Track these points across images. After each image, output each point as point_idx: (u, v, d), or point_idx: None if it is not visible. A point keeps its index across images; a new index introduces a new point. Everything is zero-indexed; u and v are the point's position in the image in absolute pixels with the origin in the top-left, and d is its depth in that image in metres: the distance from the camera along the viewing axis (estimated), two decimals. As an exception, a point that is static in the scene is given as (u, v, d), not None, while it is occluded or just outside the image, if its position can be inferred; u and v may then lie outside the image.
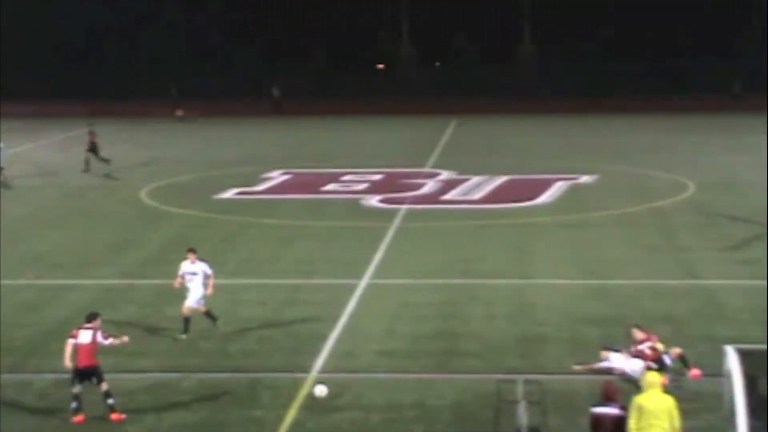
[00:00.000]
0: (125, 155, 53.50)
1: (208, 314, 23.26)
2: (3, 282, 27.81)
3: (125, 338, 19.37)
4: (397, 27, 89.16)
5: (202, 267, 23.17)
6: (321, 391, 18.69)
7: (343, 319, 24.40)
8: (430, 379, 20.54)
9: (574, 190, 41.91)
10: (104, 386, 18.47)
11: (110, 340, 18.88)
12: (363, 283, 27.63)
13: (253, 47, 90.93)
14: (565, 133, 62.06)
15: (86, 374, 18.46)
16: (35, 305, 25.60)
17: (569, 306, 25.29)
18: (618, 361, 20.24)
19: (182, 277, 23.30)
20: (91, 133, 48.13)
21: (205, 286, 23.11)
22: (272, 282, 27.90)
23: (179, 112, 70.70)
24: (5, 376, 20.17)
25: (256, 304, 25.67)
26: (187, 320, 22.95)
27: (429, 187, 43.09)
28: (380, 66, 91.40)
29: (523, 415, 17.24)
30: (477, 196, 41.21)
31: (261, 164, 49.30)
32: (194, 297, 23.03)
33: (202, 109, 73.89)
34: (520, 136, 61.76)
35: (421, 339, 22.94)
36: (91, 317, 19.04)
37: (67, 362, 18.59)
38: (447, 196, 41.04)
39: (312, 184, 43.98)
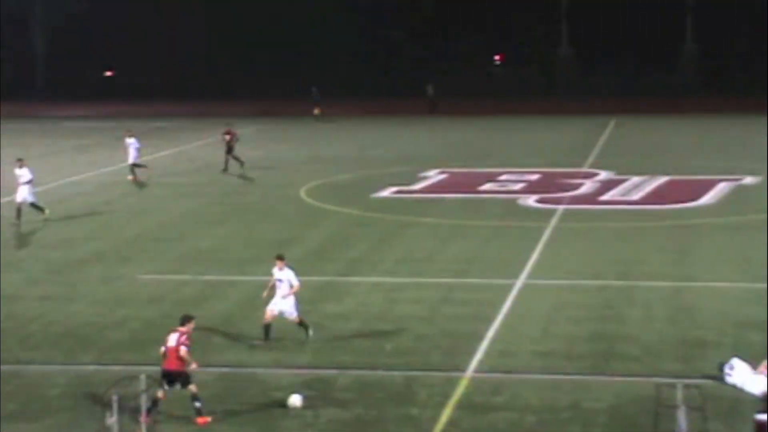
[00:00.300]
0: (286, 154, 54.52)
1: (266, 328, 22.44)
2: (168, 277, 28.64)
3: (194, 365, 18.64)
4: (556, 27, 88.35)
5: (288, 275, 22.46)
6: (295, 401, 18.56)
7: (499, 319, 24.34)
8: (586, 381, 20.33)
9: (738, 192, 40.89)
10: (192, 388, 18.30)
11: (184, 351, 18.44)
12: (519, 283, 27.50)
13: (408, 47, 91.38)
14: (729, 133, 60.60)
15: (172, 377, 18.38)
16: (198, 300, 26.24)
17: (731, 309, 24.69)
18: (741, 374, 19.53)
19: (273, 285, 22.52)
20: (228, 133, 47.69)
21: (288, 293, 22.43)
22: (429, 281, 27.99)
23: (316, 111, 71.88)
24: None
25: (412, 303, 25.79)
26: (267, 327, 22.42)
27: (587, 187, 42.63)
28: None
29: (682, 420, 16.90)
30: (636, 196, 40.59)
31: (418, 163, 49.54)
32: (283, 305, 22.39)
33: (359, 108, 74.62)
34: (681, 136, 60.58)
35: (578, 340, 22.71)
36: (184, 320, 18.85)
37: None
38: (605, 197, 40.53)
39: (469, 184, 43.97)
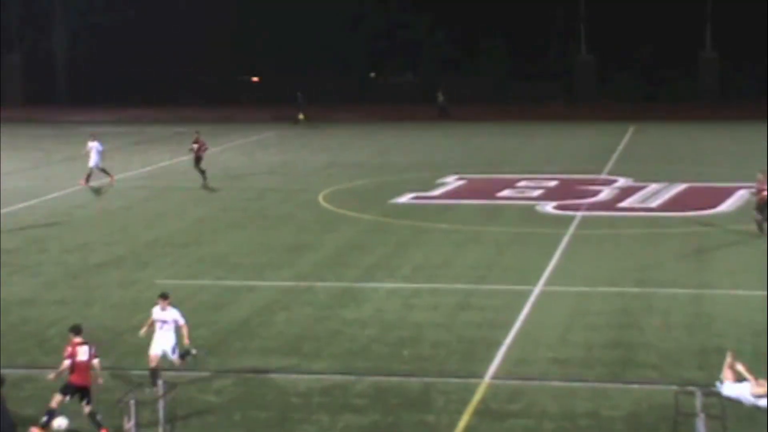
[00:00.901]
0: (304, 159, 54.54)
1: (153, 373, 20.04)
2: (186, 282, 28.66)
3: (100, 380, 18.29)
4: (574, 34, 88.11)
5: (173, 314, 20.45)
6: (60, 424, 18.00)
7: (517, 326, 24.29)
8: (604, 388, 20.26)
9: (757, 199, 40.67)
10: (88, 409, 17.86)
11: (97, 361, 18.11)
12: (537, 289, 27.44)
13: (423, 53, 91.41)
14: (748, 140, 60.26)
15: (80, 391, 17.89)
16: (216, 305, 26.27)
17: (750, 318, 24.56)
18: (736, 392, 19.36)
19: (153, 324, 20.55)
20: (197, 142, 46.23)
21: (178, 335, 20.42)
22: (446, 287, 27.96)
23: (300, 116, 72.22)
24: (188, 374, 20.73)
25: (429, 309, 25.76)
26: (154, 372, 20.04)
27: (605, 194, 42.53)
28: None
29: (701, 428, 16.83)
30: (655, 203, 40.47)
31: (435, 169, 49.51)
32: (165, 345, 20.28)
33: (373, 114, 74.63)
34: (700, 143, 60.41)
35: (596, 347, 22.64)
36: (78, 330, 18.25)
37: (53, 377, 18.25)
38: (624, 204, 40.42)
39: (487, 190, 43.92)
